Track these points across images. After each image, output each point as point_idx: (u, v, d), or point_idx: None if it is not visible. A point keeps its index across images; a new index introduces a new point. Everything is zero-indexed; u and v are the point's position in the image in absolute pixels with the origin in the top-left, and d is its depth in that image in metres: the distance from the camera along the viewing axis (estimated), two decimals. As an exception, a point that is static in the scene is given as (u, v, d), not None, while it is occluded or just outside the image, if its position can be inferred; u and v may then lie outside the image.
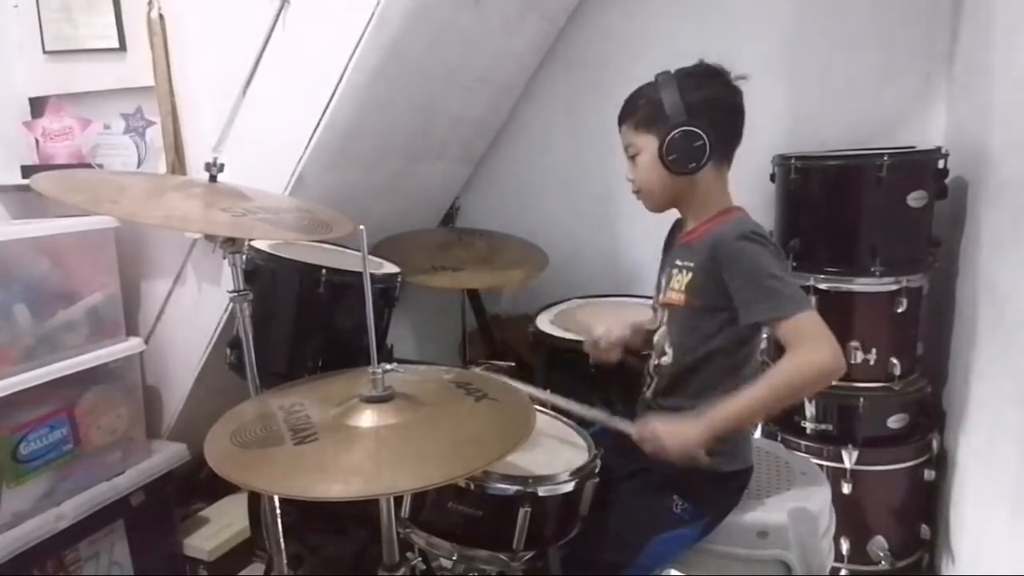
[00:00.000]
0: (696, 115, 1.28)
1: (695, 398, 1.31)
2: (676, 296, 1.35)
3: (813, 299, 1.90)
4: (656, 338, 1.43)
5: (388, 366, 1.14)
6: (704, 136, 1.27)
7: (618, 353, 1.59)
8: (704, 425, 1.22)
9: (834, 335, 1.21)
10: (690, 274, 1.33)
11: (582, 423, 1.47)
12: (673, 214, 1.45)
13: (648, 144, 1.33)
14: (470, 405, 1.18)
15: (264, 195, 1.60)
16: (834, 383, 1.88)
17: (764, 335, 1.39)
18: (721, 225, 1.32)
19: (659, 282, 1.46)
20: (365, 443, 1.06)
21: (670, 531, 1.29)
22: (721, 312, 1.28)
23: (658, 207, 1.41)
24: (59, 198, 1.28)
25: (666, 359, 1.38)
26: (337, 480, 0.98)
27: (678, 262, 1.37)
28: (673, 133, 1.27)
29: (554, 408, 1.48)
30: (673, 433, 1.23)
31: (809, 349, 1.18)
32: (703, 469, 1.30)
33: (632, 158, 1.37)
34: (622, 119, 1.38)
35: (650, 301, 1.75)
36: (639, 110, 1.34)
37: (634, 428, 1.29)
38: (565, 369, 1.97)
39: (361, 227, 1.15)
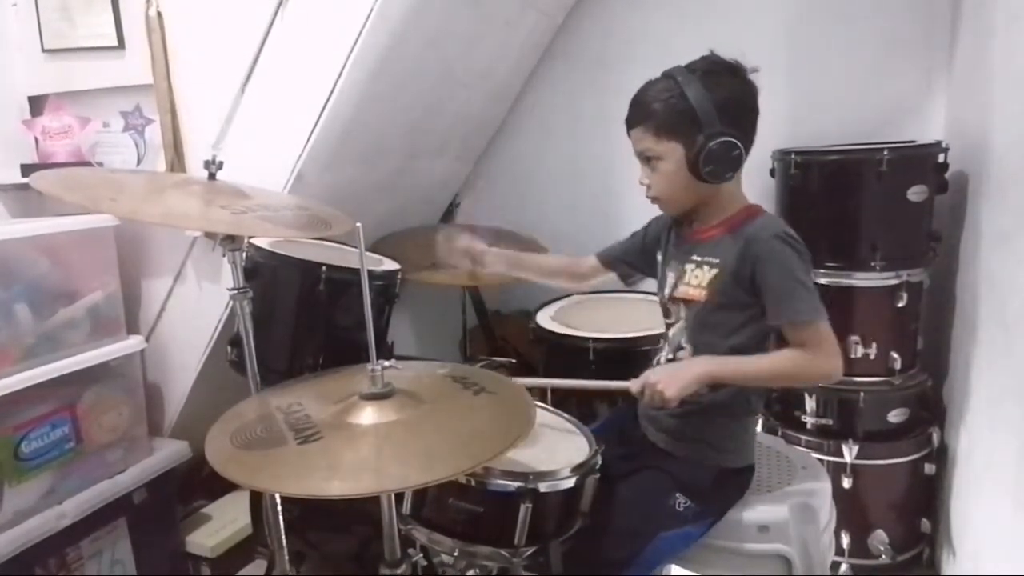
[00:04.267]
0: (728, 120, 1.21)
1: (707, 391, 1.29)
2: (696, 292, 1.32)
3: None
4: (672, 333, 1.39)
5: (386, 363, 1.14)
6: (740, 145, 1.22)
7: (469, 263, 1.62)
8: (704, 368, 1.24)
9: (834, 329, 1.24)
10: (714, 270, 1.29)
11: (582, 420, 1.48)
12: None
13: (672, 152, 1.26)
14: (469, 399, 1.18)
15: (263, 193, 1.60)
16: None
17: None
18: (750, 223, 1.28)
19: (663, 276, 1.42)
20: (369, 440, 1.06)
21: (674, 528, 1.29)
22: (743, 310, 1.27)
23: (680, 213, 1.37)
24: (58, 196, 1.28)
25: (684, 354, 1.35)
26: (347, 478, 0.98)
27: (696, 258, 1.33)
28: (711, 144, 1.21)
29: (552, 392, 1.48)
30: (670, 377, 1.23)
31: (822, 354, 1.23)
32: (709, 465, 1.31)
33: (649, 162, 1.30)
34: (635, 122, 1.29)
35: (649, 297, 1.74)
36: (657, 114, 1.25)
37: (631, 384, 1.28)
38: (565, 365, 1.98)
39: (358, 224, 1.14)
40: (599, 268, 1.59)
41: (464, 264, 1.65)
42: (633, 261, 1.55)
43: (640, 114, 1.29)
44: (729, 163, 1.24)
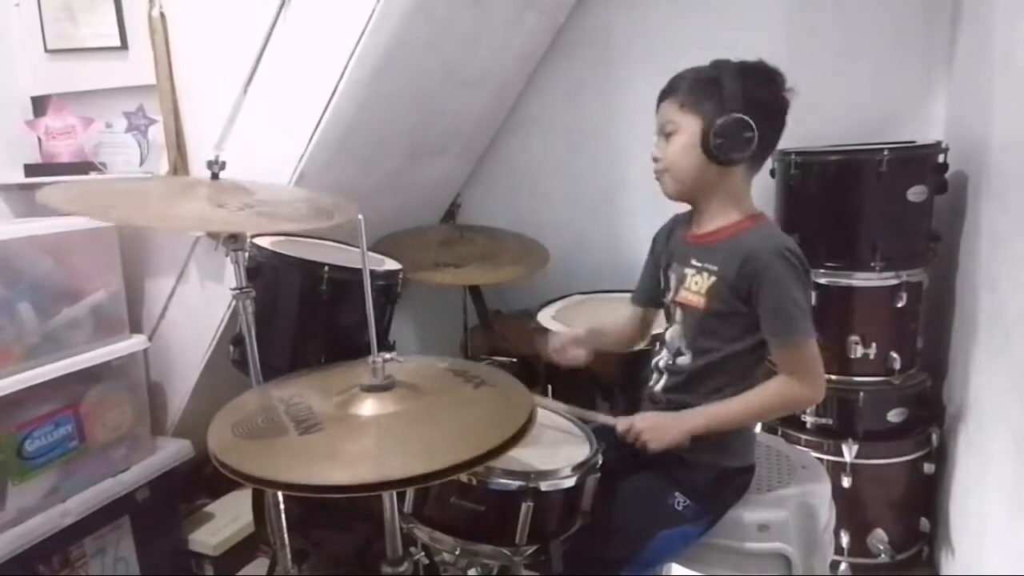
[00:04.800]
0: (752, 109, 1.23)
1: (707, 396, 1.30)
2: (695, 298, 1.32)
3: (813, 294, 1.89)
4: (669, 336, 1.40)
5: (388, 355, 1.14)
6: (755, 129, 1.23)
7: (582, 357, 1.53)
8: (687, 426, 1.27)
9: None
10: (713, 278, 1.29)
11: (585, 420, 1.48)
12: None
13: (690, 125, 1.26)
14: (470, 392, 1.19)
15: (267, 187, 1.59)
16: (834, 377, 1.93)
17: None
18: (752, 234, 1.28)
19: (666, 278, 1.42)
20: (370, 431, 1.07)
21: (673, 527, 1.29)
22: (742, 318, 1.27)
23: (680, 193, 1.34)
24: (58, 208, 1.29)
25: (683, 359, 1.36)
26: (347, 467, 0.99)
27: (695, 262, 1.33)
28: (727, 117, 1.22)
29: (554, 392, 1.48)
30: (655, 430, 1.27)
31: (801, 380, 1.25)
32: (711, 465, 1.32)
33: (667, 136, 1.30)
34: (667, 94, 1.31)
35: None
36: (688, 88, 1.27)
37: (618, 423, 1.31)
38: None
39: (360, 216, 1.15)
40: (640, 312, 1.55)
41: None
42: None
43: (672, 88, 1.31)
44: (739, 143, 1.24)
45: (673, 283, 1.39)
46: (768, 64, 1.29)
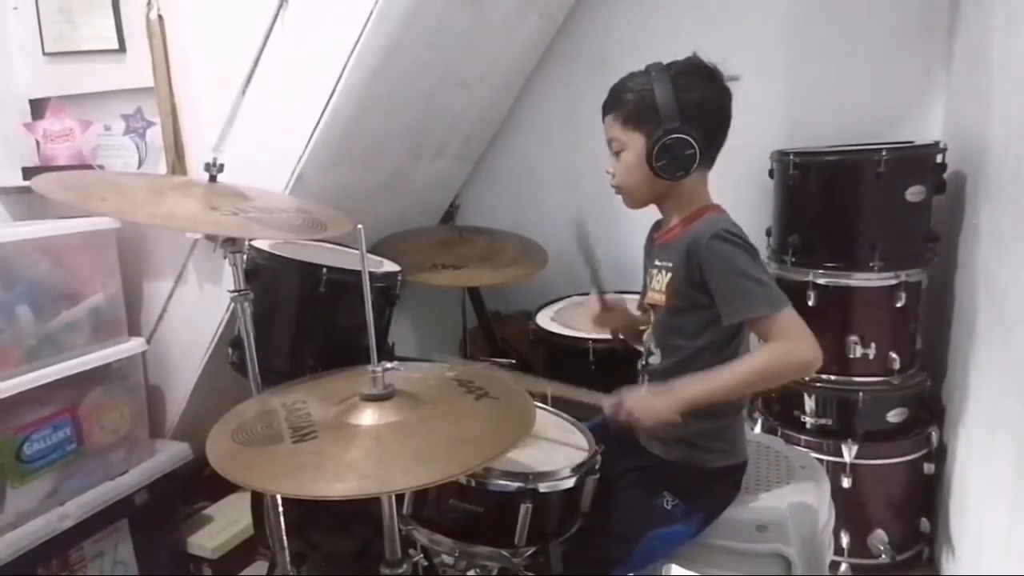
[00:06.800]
0: (689, 119, 1.23)
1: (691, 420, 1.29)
2: (658, 296, 1.34)
3: (812, 294, 1.91)
4: (645, 337, 1.42)
5: (388, 364, 1.14)
6: (695, 144, 1.24)
7: (617, 322, 1.59)
8: (675, 400, 1.23)
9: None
10: (669, 274, 1.31)
11: (581, 418, 1.48)
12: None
13: (634, 143, 1.29)
14: (470, 404, 1.18)
15: (264, 194, 1.60)
16: (833, 377, 1.93)
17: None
18: (696, 225, 1.29)
19: (644, 281, 1.45)
20: (363, 441, 1.06)
21: (664, 527, 1.29)
22: (703, 311, 1.27)
23: (637, 206, 1.38)
24: (51, 195, 1.28)
25: (654, 359, 1.37)
26: (332, 479, 0.98)
27: (657, 262, 1.36)
28: (665, 139, 1.23)
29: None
30: (644, 407, 1.25)
31: (790, 343, 1.20)
32: (696, 466, 1.31)
33: (615, 153, 1.33)
34: (607, 110, 1.33)
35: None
36: (627, 104, 1.29)
37: (606, 401, 1.30)
38: (565, 366, 1.98)
39: (359, 226, 1.15)
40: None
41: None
42: None
43: (613, 102, 1.32)
44: (681, 161, 1.25)
45: (647, 284, 1.42)
46: (701, 61, 1.29)
